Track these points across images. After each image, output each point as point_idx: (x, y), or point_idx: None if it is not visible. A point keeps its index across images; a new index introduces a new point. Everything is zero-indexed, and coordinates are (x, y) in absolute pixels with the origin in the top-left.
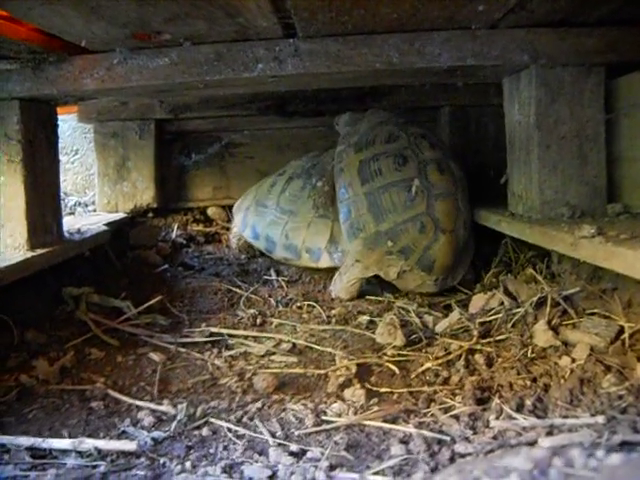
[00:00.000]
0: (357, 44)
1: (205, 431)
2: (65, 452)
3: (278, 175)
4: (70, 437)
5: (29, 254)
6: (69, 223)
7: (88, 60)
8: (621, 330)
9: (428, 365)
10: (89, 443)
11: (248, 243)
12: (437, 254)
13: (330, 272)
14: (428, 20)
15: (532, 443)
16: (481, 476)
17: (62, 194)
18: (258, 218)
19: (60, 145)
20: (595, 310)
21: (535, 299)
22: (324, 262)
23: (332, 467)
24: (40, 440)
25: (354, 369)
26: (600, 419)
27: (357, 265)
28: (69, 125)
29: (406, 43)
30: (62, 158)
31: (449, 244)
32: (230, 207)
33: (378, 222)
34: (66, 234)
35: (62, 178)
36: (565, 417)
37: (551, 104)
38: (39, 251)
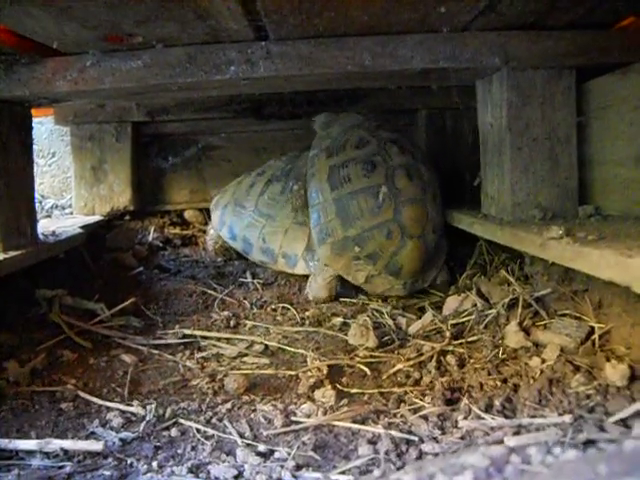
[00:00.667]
0: (329, 46)
1: (174, 432)
2: (31, 453)
3: (258, 175)
4: (38, 438)
5: (1, 256)
6: (45, 226)
7: (60, 62)
8: (591, 331)
9: (400, 366)
10: (56, 444)
11: (225, 246)
12: (404, 259)
13: (306, 276)
14: (400, 23)
15: (499, 442)
16: (436, 473)
17: (39, 197)
18: (236, 219)
19: (37, 148)
20: (566, 311)
21: (507, 300)
22: (300, 269)
23: (298, 467)
24: (6, 441)
25: (325, 370)
26: (567, 418)
27: (327, 269)
28: (46, 127)
29: (378, 46)
30: (39, 161)
31: (417, 249)
32: (207, 210)
33: (346, 228)
34: (41, 236)
35: (39, 181)
36: (533, 417)
37: (523, 107)
38: (12, 253)
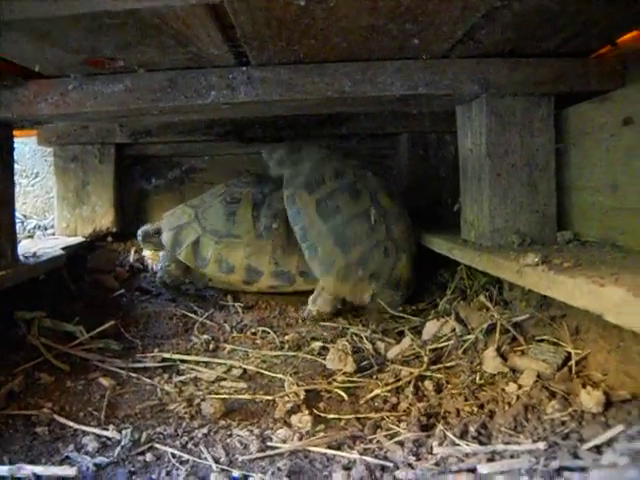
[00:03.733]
0: (309, 72)
1: (149, 456)
2: (3, 479)
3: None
4: (10, 463)
5: None
6: (26, 246)
7: (43, 85)
8: (568, 356)
9: (377, 391)
10: (27, 469)
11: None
12: (402, 272)
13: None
14: (379, 50)
15: (472, 470)
16: None
17: (22, 217)
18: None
19: (20, 168)
20: (544, 337)
21: (485, 326)
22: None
23: None
24: None
25: (302, 395)
26: (541, 445)
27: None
28: (29, 148)
29: (358, 72)
30: (22, 181)
31: (410, 261)
32: None
33: (347, 254)
34: (21, 257)
35: (22, 201)
36: (507, 443)
37: (502, 133)
38: None
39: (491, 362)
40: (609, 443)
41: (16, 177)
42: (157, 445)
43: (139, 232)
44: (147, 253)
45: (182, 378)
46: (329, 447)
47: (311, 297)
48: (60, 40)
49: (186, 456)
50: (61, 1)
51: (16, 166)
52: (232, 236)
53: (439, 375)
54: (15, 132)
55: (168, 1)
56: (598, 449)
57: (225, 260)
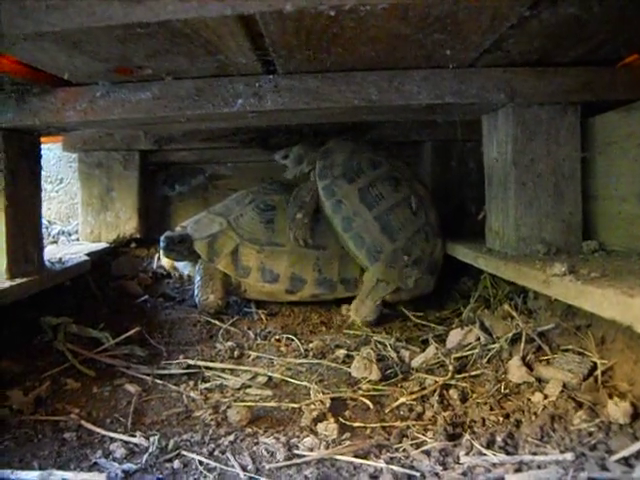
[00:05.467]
0: (336, 81)
1: (176, 464)
2: None
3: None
4: (40, 469)
5: (8, 283)
6: (51, 252)
7: (71, 92)
8: (594, 366)
9: (402, 400)
10: (57, 475)
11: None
12: (438, 256)
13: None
14: (406, 58)
15: (500, 479)
16: None
17: (46, 222)
18: (272, 258)
19: (45, 174)
20: (569, 346)
21: (510, 335)
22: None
23: None
24: (8, 472)
25: (328, 403)
26: (569, 456)
27: (380, 284)
28: (54, 154)
29: (385, 81)
30: (47, 186)
31: (443, 245)
32: None
33: (393, 241)
34: (47, 263)
35: (46, 206)
36: (534, 454)
37: (528, 142)
38: (18, 280)
39: (516, 371)
40: (637, 455)
41: (41, 185)
42: (184, 452)
43: (162, 239)
44: (165, 263)
45: (207, 385)
46: (356, 456)
47: (352, 305)
48: (91, 49)
49: (213, 463)
50: (97, 13)
51: (41, 173)
52: (274, 244)
53: (464, 384)
54: (41, 138)
55: (202, 12)
56: (626, 461)
57: (269, 269)
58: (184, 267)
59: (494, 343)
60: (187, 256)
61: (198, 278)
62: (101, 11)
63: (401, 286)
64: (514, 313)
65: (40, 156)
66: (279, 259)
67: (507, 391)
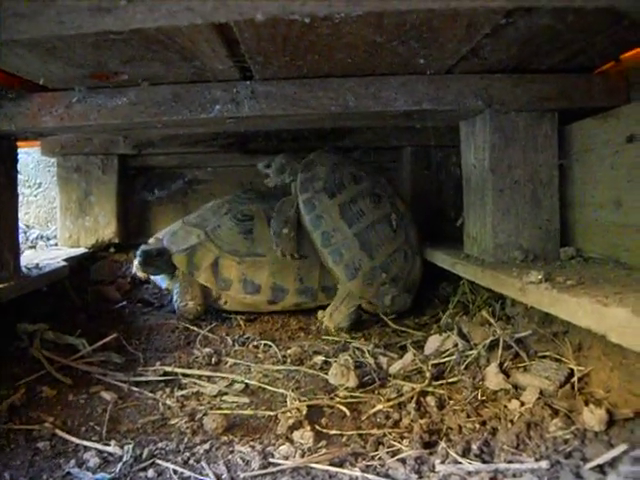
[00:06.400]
0: (313, 87)
1: (150, 473)
2: None
3: (246, 225)
4: (11, 479)
5: None
6: (29, 257)
7: (47, 98)
8: (571, 373)
9: (379, 407)
10: None
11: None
12: (416, 275)
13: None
14: (383, 65)
15: None
16: None
17: (24, 227)
18: (253, 269)
19: (23, 178)
20: (547, 353)
21: (488, 342)
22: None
23: None
24: None
25: (305, 411)
26: (544, 464)
27: (350, 298)
28: (32, 158)
29: (362, 87)
30: (25, 191)
31: (422, 264)
32: None
33: (372, 258)
34: (24, 269)
35: (25, 211)
36: (510, 462)
37: (505, 149)
38: None
39: (493, 378)
40: (612, 463)
41: (19, 187)
42: (159, 461)
43: (139, 253)
44: (140, 274)
45: (184, 392)
46: (331, 464)
47: (326, 311)
48: (65, 55)
49: (188, 472)
50: (66, 22)
51: (19, 176)
52: (254, 255)
53: (441, 391)
54: (19, 142)
55: (172, 20)
56: (601, 468)
57: (250, 280)
58: (161, 280)
59: (472, 350)
60: (165, 269)
61: (177, 284)
62: (70, 20)
63: (377, 303)
64: (492, 320)
65: (17, 160)
66: (260, 270)
67: (484, 398)
